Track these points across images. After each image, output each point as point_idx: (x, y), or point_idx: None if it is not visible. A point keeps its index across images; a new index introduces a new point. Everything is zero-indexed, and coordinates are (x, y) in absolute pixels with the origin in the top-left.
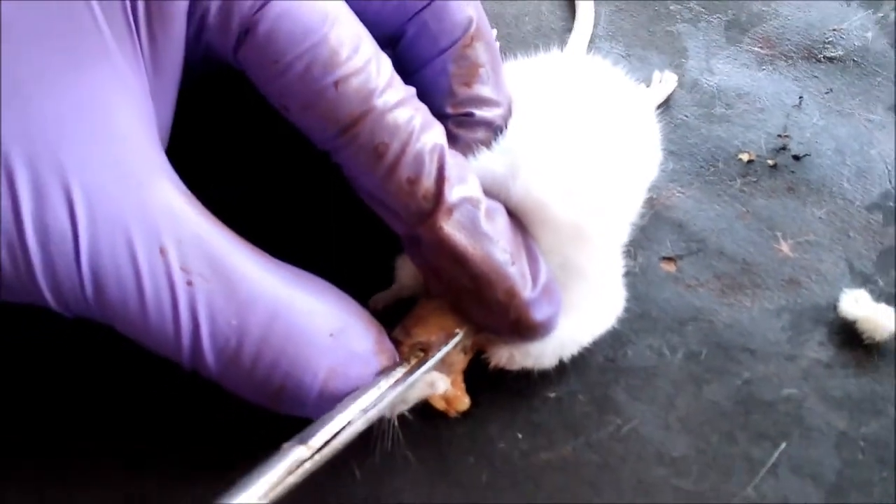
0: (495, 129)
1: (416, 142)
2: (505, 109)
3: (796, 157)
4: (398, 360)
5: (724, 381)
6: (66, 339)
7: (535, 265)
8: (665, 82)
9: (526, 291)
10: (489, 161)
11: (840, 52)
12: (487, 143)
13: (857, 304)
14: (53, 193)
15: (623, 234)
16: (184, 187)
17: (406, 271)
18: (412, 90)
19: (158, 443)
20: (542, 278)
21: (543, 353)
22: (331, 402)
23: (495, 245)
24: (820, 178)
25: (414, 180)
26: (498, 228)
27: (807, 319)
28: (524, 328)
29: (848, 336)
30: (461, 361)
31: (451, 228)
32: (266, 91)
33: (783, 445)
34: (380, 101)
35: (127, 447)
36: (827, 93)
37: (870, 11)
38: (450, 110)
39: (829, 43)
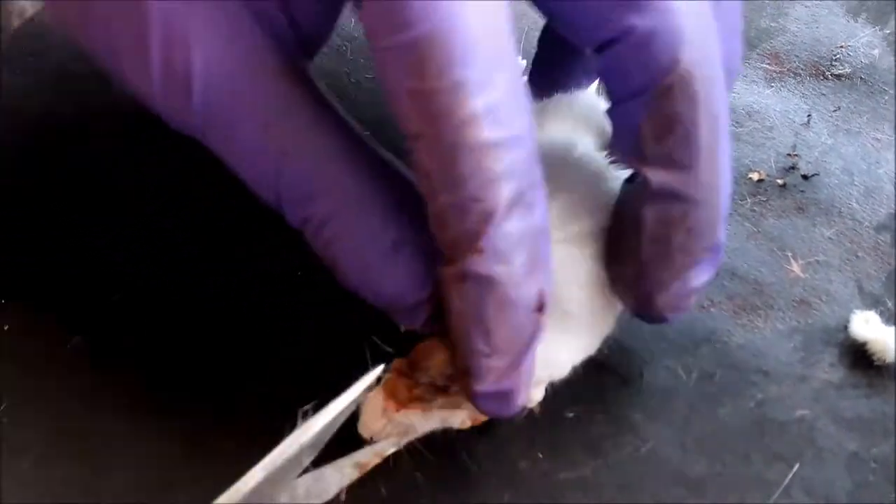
0: (688, 202)
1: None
2: (702, 179)
3: (805, 177)
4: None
5: (738, 402)
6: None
7: (513, 369)
8: None
9: (480, 384)
10: None
11: (848, 70)
12: (682, 225)
13: (867, 326)
14: (177, 57)
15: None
16: (306, 74)
17: None
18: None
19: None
20: (505, 385)
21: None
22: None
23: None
24: (829, 198)
25: (453, 220)
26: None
27: (818, 340)
28: (465, 397)
29: (858, 357)
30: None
31: (455, 293)
32: (377, 59)
33: (796, 467)
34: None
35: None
36: (835, 111)
37: (877, 28)
38: (633, 166)
39: (836, 60)
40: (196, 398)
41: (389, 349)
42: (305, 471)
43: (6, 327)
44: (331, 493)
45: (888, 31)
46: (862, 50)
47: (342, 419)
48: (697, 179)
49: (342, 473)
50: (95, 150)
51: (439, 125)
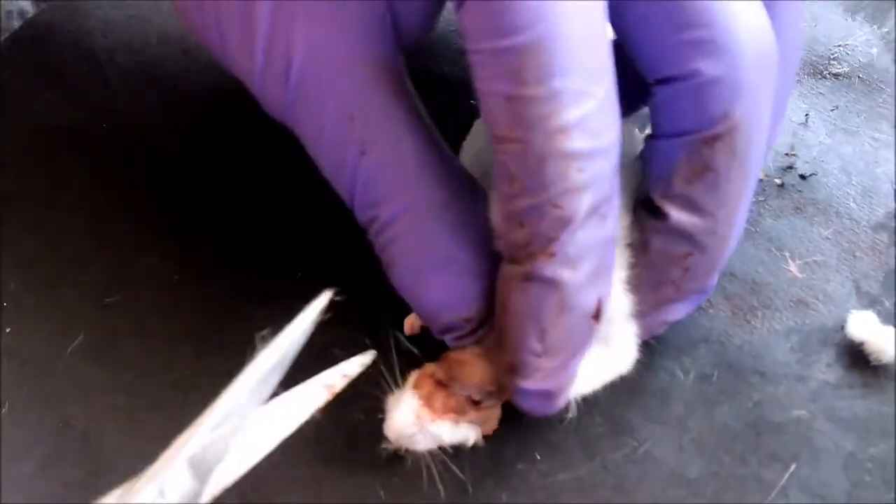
0: (695, 245)
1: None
2: (716, 229)
3: (803, 177)
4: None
5: (735, 402)
6: None
7: (562, 370)
8: None
9: (525, 381)
10: None
11: (845, 69)
12: (681, 263)
13: (864, 326)
14: (280, 41)
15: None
16: (400, 75)
17: None
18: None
19: None
20: (550, 385)
21: None
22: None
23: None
24: (826, 198)
25: (529, 223)
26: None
27: (815, 340)
28: (506, 393)
29: (855, 357)
30: (495, 407)
31: (517, 292)
32: (474, 60)
33: (793, 467)
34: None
35: None
36: (833, 110)
37: (875, 27)
38: (654, 197)
39: (834, 59)
40: (197, 401)
41: (415, 349)
42: (275, 395)
43: (7, 330)
44: (304, 415)
45: (886, 30)
46: (860, 49)
47: (302, 341)
48: (712, 228)
49: (313, 394)
50: (95, 153)
51: (531, 132)
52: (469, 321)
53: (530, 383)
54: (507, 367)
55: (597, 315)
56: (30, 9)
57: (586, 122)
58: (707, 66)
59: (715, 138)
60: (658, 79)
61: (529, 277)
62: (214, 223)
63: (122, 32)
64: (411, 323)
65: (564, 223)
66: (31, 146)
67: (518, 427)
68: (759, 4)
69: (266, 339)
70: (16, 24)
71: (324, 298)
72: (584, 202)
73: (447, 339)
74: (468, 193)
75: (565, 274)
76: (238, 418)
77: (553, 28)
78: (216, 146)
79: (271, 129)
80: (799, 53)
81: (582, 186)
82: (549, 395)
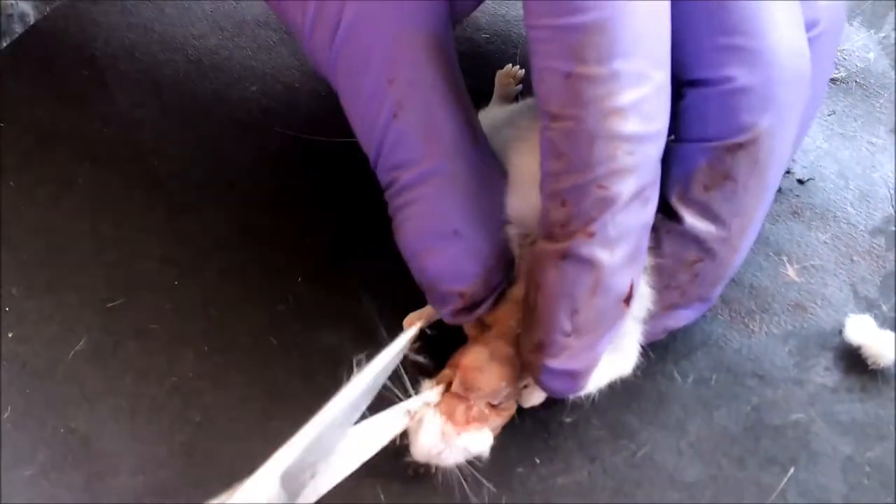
0: (706, 252)
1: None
2: (729, 238)
3: (800, 181)
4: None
5: (733, 406)
6: None
7: (588, 351)
8: None
9: (552, 359)
10: None
11: (843, 74)
12: (690, 268)
13: (862, 330)
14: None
15: None
16: (448, 48)
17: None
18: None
19: None
20: (576, 365)
21: None
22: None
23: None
24: (824, 203)
25: (572, 202)
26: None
27: (813, 344)
28: (530, 372)
29: (853, 361)
30: (512, 406)
31: (553, 269)
32: (533, 35)
33: (791, 470)
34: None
35: None
36: (830, 115)
37: (872, 31)
38: (671, 199)
39: None
40: (196, 404)
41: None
42: (362, 418)
43: (10, 335)
44: (386, 439)
45: (883, 35)
46: (857, 54)
47: (392, 367)
48: (724, 237)
49: (396, 420)
50: (96, 158)
51: (585, 111)
52: (463, 296)
53: (556, 362)
54: (534, 345)
55: (628, 299)
56: (30, 10)
57: (642, 105)
58: (740, 74)
59: (738, 147)
60: (689, 80)
61: (566, 255)
62: (215, 227)
63: (124, 38)
64: (411, 321)
65: (607, 204)
66: (32, 151)
67: (518, 431)
68: (803, 28)
69: (360, 365)
70: (17, 27)
71: (413, 329)
72: (628, 185)
73: (444, 313)
74: (490, 174)
75: (603, 255)
76: (330, 439)
77: (619, 9)
78: (217, 150)
79: (272, 133)
80: (827, 82)
81: (629, 169)
82: (574, 375)
